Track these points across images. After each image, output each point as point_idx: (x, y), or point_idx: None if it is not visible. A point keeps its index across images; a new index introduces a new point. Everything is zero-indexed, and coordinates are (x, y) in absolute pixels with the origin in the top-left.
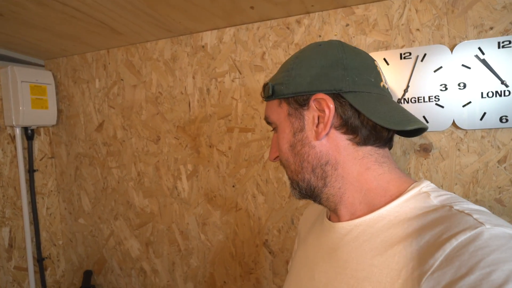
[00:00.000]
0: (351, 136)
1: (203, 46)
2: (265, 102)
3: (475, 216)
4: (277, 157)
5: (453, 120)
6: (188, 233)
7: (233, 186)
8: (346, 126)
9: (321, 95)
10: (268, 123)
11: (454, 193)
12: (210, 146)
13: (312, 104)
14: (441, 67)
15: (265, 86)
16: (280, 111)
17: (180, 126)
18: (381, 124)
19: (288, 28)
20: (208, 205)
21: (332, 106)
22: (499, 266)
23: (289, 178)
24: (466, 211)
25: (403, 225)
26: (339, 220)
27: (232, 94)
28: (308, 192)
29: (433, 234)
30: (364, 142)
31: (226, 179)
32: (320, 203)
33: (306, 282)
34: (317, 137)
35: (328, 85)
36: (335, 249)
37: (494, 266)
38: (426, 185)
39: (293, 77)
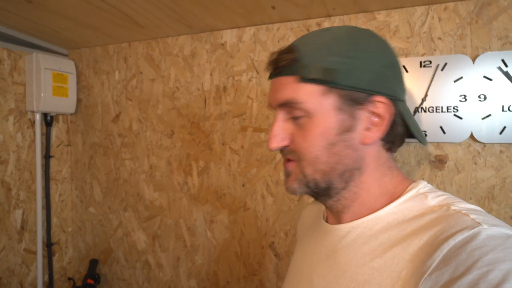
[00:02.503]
0: (386, 144)
1: (222, 44)
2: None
3: (472, 216)
4: (286, 146)
5: (471, 133)
6: (195, 230)
7: (243, 186)
8: (391, 134)
9: (383, 99)
10: (282, 105)
11: None
12: (223, 144)
13: (370, 105)
14: (461, 77)
15: (298, 61)
16: (323, 101)
17: (194, 122)
18: (420, 140)
19: (308, 30)
20: (216, 203)
21: (391, 113)
22: (496, 265)
23: (304, 175)
24: (463, 211)
25: (401, 226)
26: (338, 222)
27: (248, 93)
28: (322, 192)
29: (431, 234)
30: (391, 149)
31: (236, 178)
32: (324, 202)
33: (304, 285)
34: (366, 141)
35: (388, 89)
36: (333, 252)
37: (491, 266)
38: (423, 186)
39: (353, 68)
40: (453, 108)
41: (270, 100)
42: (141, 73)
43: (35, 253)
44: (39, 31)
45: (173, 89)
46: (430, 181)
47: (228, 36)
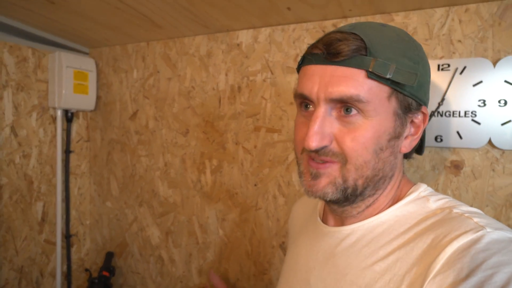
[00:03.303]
0: (408, 153)
1: (238, 44)
2: (293, 104)
3: (475, 219)
4: (324, 146)
5: (490, 138)
6: (207, 227)
7: (255, 185)
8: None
9: (425, 110)
10: (334, 101)
11: None
12: (236, 143)
13: (416, 114)
14: (481, 81)
15: (369, 53)
16: (385, 103)
17: (209, 121)
18: (421, 150)
19: (323, 31)
20: (229, 201)
21: (427, 123)
22: (500, 268)
23: (345, 179)
24: (466, 214)
25: (403, 230)
26: (340, 224)
27: (262, 94)
28: (351, 198)
29: (434, 237)
30: (408, 157)
31: (249, 177)
32: (342, 207)
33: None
34: (403, 149)
35: (426, 99)
36: (332, 255)
37: (496, 269)
38: (424, 189)
39: (417, 74)
40: (471, 113)
41: (315, 91)
42: (158, 72)
43: (54, 244)
44: (62, 30)
45: (188, 88)
46: (445, 187)
47: (244, 36)
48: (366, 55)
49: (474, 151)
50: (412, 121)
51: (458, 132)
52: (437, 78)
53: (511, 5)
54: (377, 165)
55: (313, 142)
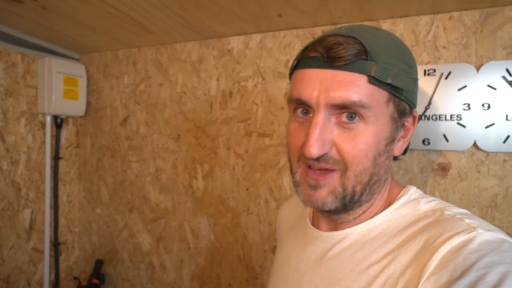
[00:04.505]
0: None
1: (229, 50)
2: (285, 108)
3: (467, 220)
4: (325, 154)
5: (475, 141)
6: (199, 232)
7: (247, 190)
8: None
9: (415, 113)
10: (335, 106)
11: None
12: (228, 148)
13: (410, 118)
14: (465, 86)
15: (370, 58)
16: (384, 109)
17: (200, 127)
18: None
19: (313, 37)
20: (220, 206)
21: (416, 125)
22: (493, 268)
23: (345, 187)
24: (457, 216)
25: (397, 233)
26: (333, 229)
27: (253, 99)
28: (349, 206)
29: (427, 238)
30: (396, 159)
31: (240, 182)
32: (338, 215)
33: None
34: (396, 152)
35: (417, 102)
36: (325, 260)
37: (488, 269)
38: (413, 192)
39: (412, 78)
40: (457, 116)
41: (314, 96)
42: (149, 77)
43: (42, 252)
44: (52, 36)
45: (180, 94)
46: (432, 189)
47: (235, 42)
48: (367, 60)
49: (460, 154)
50: (403, 124)
51: (444, 135)
52: (424, 83)
53: (492, 13)
54: (374, 170)
55: (314, 150)
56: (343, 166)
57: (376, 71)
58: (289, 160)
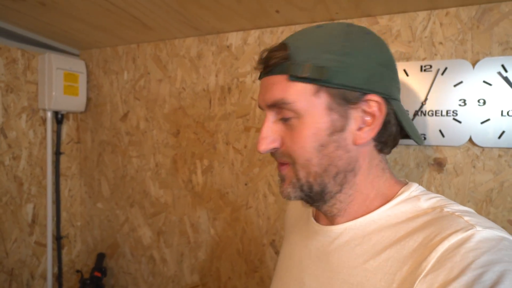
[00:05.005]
0: (378, 145)
1: (228, 46)
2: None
3: (466, 218)
4: (276, 149)
5: (470, 136)
6: (199, 226)
7: (246, 184)
8: (383, 134)
9: (376, 97)
10: (272, 106)
11: None
12: (227, 144)
13: (363, 104)
14: (461, 82)
15: (289, 59)
16: (314, 101)
17: (199, 122)
18: (415, 140)
19: None
20: (220, 201)
21: (384, 111)
22: (490, 267)
23: (298, 179)
24: (457, 213)
25: (395, 228)
26: (331, 223)
27: (252, 95)
28: (316, 196)
29: (425, 236)
30: (382, 150)
31: (239, 177)
32: (319, 208)
33: (295, 286)
34: (358, 141)
35: (382, 87)
36: (325, 253)
37: (485, 268)
38: (415, 189)
39: (346, 66)
40: (453, 112)
41: (260, 101)
42: (148, 73)
43: (45, 245)
44: (52, 32)
45: (179, 90)
46: (428, 184)
47: (234, 38)
48: (288, 61)
49: (455, 149)
50: (364, 111)
51: (440, 131)
52: (420, 79)
53: (488, 9)
54: (322, 161)
55: (261, 146)
56: (292, 159)
57: (291, 69)
58: None
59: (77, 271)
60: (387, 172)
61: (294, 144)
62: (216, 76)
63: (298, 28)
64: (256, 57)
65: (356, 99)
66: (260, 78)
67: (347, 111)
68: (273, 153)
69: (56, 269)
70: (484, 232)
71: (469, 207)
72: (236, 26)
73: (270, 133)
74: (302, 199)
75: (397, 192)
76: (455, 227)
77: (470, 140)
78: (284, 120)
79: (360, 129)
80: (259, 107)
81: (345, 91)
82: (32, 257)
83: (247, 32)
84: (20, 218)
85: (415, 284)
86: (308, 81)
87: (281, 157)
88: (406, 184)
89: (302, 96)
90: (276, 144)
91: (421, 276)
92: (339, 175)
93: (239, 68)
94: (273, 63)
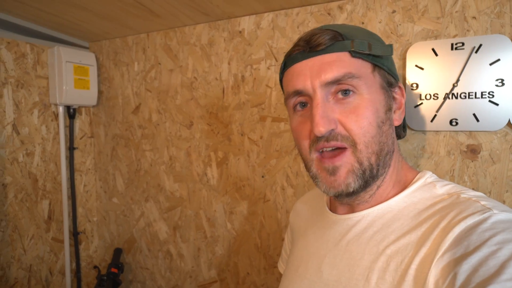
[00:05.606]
0: (398, 129)
1: (240, 32)
2: None
3: (482, 202)
4: (332, 130)
5: (509, 120)
6: (215, 221)
7: (263, 177)
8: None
9: (401, 85)
10: (331, 84)
11: (505, 201)
12: (242, 134)
13: (396, 89)
14: (498, 59)
15: (347, 38)
16: (371, 78)
17: (213, 113)
18: (409, 126)
19: (329, 14)
20: (236, 194)
21: (405, 98)
22: (505, 244)
23: (361, 162)
24: (473, 198)
25: (413, 214)
26: (350, 212)
27: (267, 82)
28: (370, 180)
29: (443, 220)
30: (400, 136)
31: (255, 169)
32: (357, 194)
33: (312, 276)
34: (397, 122)
35: (397, 77)
36: (344, 242)
37: (501, 245)
38: (429, 176)
39: (386, 52)
40: (488, 93)
41: (308, 83)
42: (159, 63)
43: (62, 241)
44: (59, 24)
45: (191, 79)
46: (461, 173)
47: (246, 23)
48: (343, 40)
49: (492, 134)
50: (394, 97)
51: (474, 115)
52: (451, 58)
53: None
54: (381, 138)
55: (322, 127)
56: (352, 141)
57: (354, 45)
58: (302, 156)
59: (95, 267)
60: (402, 159)
61: (360, 122)
62: (229, 63)
63: (314, 8)
64: (271, 42)
65: (394, 84)
66: (301, 60)
67: (390, 93)
68: (321, 137)
69: (74, 265)
70: (500, 215)
71: (507, 197)
72: (248, 10)
73: (329, 112)
74: (360, 186)
75: (412, 179)
76: (472, 210)
77: (509, 124)
78: (342, 99)
79: (394, 111)
80: (299, 91)
81: (388, 75)
82: (50, 253)
83: (260, 16)
84: (36, 215)
85: (433, 263)
86: (369, 59)
87: (340, 140)
88: (419, 172)
89: (364, 72)
90: (334, 125)
91: (439, 255)
92: (387, 156)
93: (252, 54)
94: (327, 42)
